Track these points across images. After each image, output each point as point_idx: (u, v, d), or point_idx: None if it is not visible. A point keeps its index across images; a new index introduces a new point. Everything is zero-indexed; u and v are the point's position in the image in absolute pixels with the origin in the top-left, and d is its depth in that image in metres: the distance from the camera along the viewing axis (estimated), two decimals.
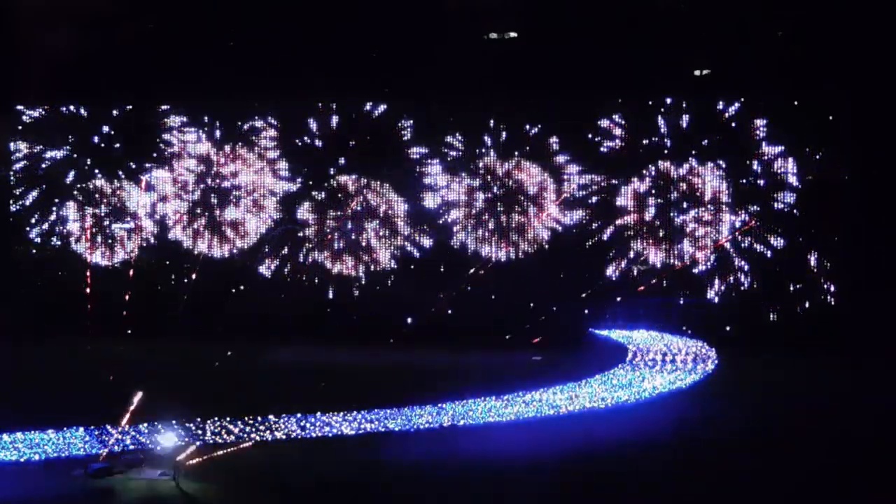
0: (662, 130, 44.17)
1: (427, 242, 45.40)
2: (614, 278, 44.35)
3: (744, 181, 43.68)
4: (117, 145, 46.38)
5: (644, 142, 44.27)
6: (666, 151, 44.15)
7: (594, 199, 44.65)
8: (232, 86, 44.25)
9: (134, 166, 46.33)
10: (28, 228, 46.70)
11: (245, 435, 28.21)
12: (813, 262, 43.32)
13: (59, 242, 46.69)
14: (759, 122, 43.64)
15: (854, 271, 42.48)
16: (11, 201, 46.77)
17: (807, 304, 43.22)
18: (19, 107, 47.07)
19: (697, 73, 46.01)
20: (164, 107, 46.13)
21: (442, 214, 45.37)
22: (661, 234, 44.49)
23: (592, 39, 43.44)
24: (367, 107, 45.36)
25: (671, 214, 44.42)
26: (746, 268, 43.82)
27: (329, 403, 30.64)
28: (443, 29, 44.66)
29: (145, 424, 28.07)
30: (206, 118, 46.14)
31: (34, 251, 46.70)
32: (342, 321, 44.33)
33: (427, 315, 43.37)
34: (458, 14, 44.80)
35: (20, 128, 47.15)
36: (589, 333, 44.65)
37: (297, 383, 34.72)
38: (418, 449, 27.69)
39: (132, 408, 26.93)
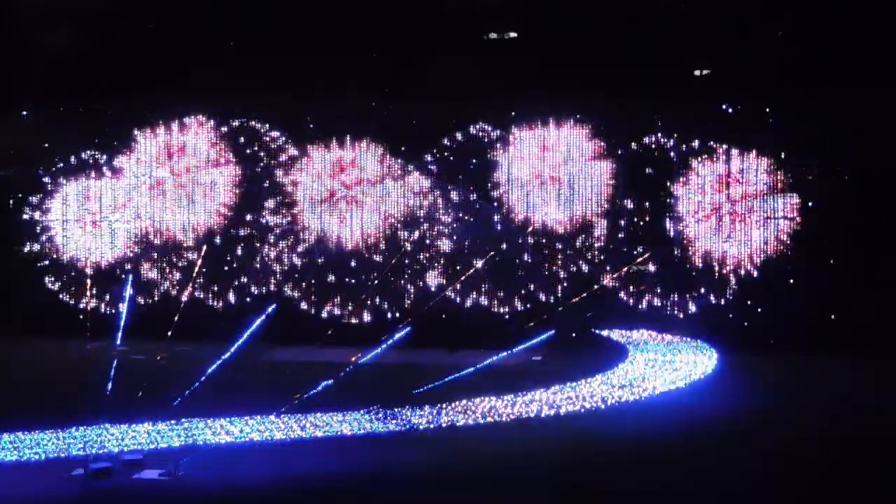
0: (660, 131, 44.14)
1: (426, 243, 45.42)
2: (613, 279, 44.33)
3: (743, 181, 43.64)
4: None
5: (644, 141, 44.24)
6: (662, 152, 44.13)
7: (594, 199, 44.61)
8: (229, 86, 44.26)
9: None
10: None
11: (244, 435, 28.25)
12: (813, 261, 43.26)
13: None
14: (759, 122, 43.65)
15: (854, 271, 42.42)
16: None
17: (807, 304, 43.14)
18: (18, 107, 47.10)
19: (697, 73, 46.12)
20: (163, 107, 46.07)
21: (442, 215, 45.32)
22: (659, 236, 44.48)
23: (592, 39, 43.50)
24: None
25: (670, 215, 44.40)
26: (747, 268, 43.80)
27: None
28: (443, 29, 44.74)
29: (146, 424, 28.12)
30: (203, 119, 46.05)
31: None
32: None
33: (425, 315, 43.46)
34: (458, 14, 44.88)
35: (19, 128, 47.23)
36: (589, 333, 44.57)
37: None
38: (417, 449, 27.73)
39: None
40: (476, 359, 38.36)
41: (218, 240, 45.91)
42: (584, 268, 44.64)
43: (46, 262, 46.38)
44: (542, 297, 44.72)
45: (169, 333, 41.33)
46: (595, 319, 44.73)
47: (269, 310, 40.03)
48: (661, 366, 39.01)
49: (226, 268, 45.96)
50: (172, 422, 28.50)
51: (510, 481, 24.58)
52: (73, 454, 26.21)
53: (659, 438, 28.88)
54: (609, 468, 25.74)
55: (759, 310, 43.42)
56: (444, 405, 31.32)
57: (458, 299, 44.90)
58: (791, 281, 43.31)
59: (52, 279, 46.37)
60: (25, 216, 46.37)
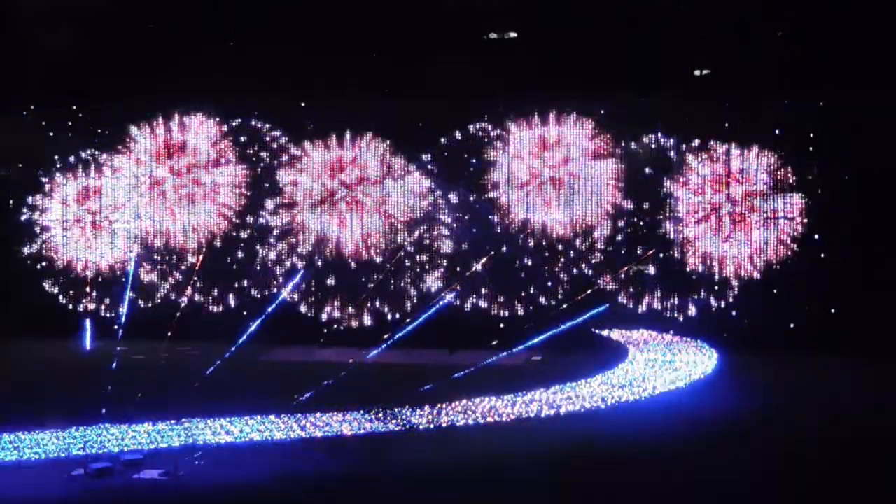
0: (660, 131, 44.12)
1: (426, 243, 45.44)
2: (613, 280, 44.35)
3: (743, 181, 43.65)
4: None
5: (644, 141, 44.23)
6: (662, 151, 44.14)
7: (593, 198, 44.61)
8: (228, 86, 44.25)
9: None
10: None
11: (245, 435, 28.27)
12: (813, 261, 43.24)
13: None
14: (759, 123, 43.65)
15: (854, 271, 42.40)
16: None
17: (807, 304, 43.11)
18: (18, 107, 47.08)
19: (697, 73, 46.13)
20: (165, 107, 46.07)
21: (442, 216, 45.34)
22: (659, 236, 44.48)
23: (592, 39, 43.53)
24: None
25: (670, 215, 44.38)
26: (747, 268, 43.79)
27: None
28: (443, 29, 44.76)
29: (146, 424, 28.14)
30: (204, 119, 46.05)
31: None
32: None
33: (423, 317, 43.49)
34: (458, 14, 44.90)
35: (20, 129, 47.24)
36: (589, 333, 44.52)
37: None
38: (418, 449, 27.75)
39: None
40: (476, 358, 38.44)
41: (218, 241, 45.92)
42: (584, 268, 44.62)
43: (45, 263, 46.37)
44: (542, 299, 44.75)
45: (168, 334, 41.36)
46: (602, 320, 44.64)
47: (299, 277, 39.73)
48: (661, 366, 39.01)
49: (225, 269, 45.98)
50: (172, 422, 28.53)
51: (510, 481, 24.60)
52: (73, 454, 26.22)
53: (659, 438, 28.88)
54: (609, 468, 25.76)
55: (759, 310, 43.34)
56: (444, 405, 31.34)
57: (458, 300, 44.88)
58: (791, 281, 43.27)
59: (52, 280, 46.35)
60: (24, 216, 46.35)
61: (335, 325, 44.85)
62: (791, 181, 43.44)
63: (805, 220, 43.30)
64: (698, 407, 33.27)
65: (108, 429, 27.71)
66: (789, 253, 43.42)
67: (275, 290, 45.31)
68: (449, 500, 23.74)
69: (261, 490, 24.10)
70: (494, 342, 40.87)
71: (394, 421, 29.84)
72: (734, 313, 43.66)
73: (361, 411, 30.26)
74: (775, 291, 43.41)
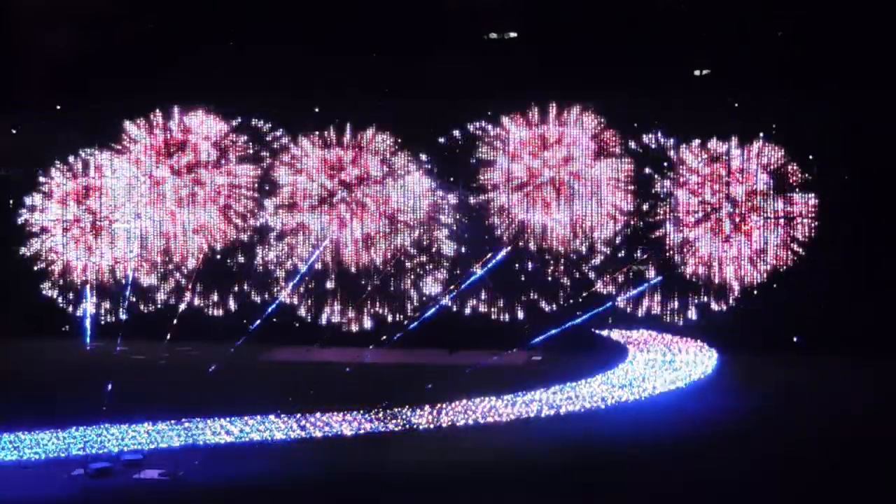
0: (660, 130, 44.10)
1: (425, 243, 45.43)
2: (613, 281, 44.33)
3: (743, 182, 43.66)
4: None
5: (644, 141, 44.22)
6: (660, 150, 44.13)
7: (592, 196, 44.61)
8: (228, 86, 44.23)
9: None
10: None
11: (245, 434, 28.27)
12: (813, 262, 43.23)
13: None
14: (758, 122, 43.65)
15: (854, 271, 42.39)
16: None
17: (807, 304, 43.10)
18: (17, 107, 47.04)
19: (697, 73, 46.12)
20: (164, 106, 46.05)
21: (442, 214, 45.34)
22: (659, 237, 44.47)
23: (592, 39, 43.53)
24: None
25: (670, 216, 44.37)
26: (747, 268, 43.80)
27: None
28: (443, 29, 44.76)
29: (146, 424, 28.14)
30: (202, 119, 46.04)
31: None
32: None
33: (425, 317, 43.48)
34: (458, 14, 44.90)
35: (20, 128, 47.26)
36: (589, 333, 44.53)
37: None
38: (418, 450, 27.75)
39: None
40: (476, 359, 38.43)
41: (218, 241, 45.89)
42: (585, 270, 44.60)
43: (45, 263, 46.31)
44: (542, 301, 44.75)
45: (168, 335, 41.36)
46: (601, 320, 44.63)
47: (320, 248, 39.73)
48: (661, 366, 39.02)
49: (225, 269, 45.96)
50: (172, 422, 28.53)
51: (510, 481, 24.60)
52: (73, 454, 26.22)
53: (659, 438, 28.89)
54: (609, 468, 25.75)
55: (760, 310, 43.32)
56: (444, 405, 31.33)
57: (458, 300, 44.83)
58: (791, 281, 43.24)
59: (51, 280, 46.30)
60: (23, 216, 46.31)
61: (335, 326, 44.85)
62: (791, 181, 43.44)
63: (805, 221, 43.28)
64: (698, 407, 33.26)
65: (108, 429, 27.71)
66: (789, 253, 43.42)
67: (275, 291, 45.33)
68: (449, 500, 23.74)
69: (261, 490, 24.09)
70: (492, 346, 40.93)
71: (394, 421, 29.85)
72: (734, 314, 43.62)
73: (361, 411, 30.27)
74: (775, 292, 43.37)
